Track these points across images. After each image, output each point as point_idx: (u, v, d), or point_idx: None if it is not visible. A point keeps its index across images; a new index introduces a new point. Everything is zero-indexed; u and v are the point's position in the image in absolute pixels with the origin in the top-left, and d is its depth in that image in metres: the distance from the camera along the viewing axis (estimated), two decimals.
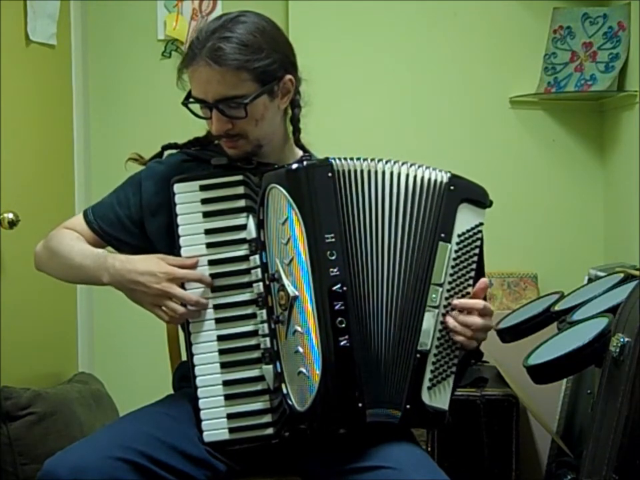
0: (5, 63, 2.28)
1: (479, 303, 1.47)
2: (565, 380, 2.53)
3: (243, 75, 1.51)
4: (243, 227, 1.53)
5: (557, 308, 2.09)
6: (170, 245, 1.59)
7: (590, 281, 2.37)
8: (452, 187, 1.49)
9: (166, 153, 1.75)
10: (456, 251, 1.48)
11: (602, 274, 2.30)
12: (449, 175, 1.51)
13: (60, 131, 2.79)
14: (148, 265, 1.52)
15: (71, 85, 2.88)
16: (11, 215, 2.20)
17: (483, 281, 1.48)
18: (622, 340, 1.59)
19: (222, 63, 1.49)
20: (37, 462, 2.05)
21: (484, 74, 2.95)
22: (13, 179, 2.33)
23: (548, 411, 2.58)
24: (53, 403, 2.28)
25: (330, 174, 1.45)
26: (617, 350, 1.59)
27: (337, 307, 1.41)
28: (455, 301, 1.47)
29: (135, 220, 1.67)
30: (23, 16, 2.41)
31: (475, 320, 1.46)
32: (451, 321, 1.46)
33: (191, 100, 1.56)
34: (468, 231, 1.49)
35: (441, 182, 1.50)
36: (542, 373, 1.73)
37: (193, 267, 1.53)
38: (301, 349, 1.42)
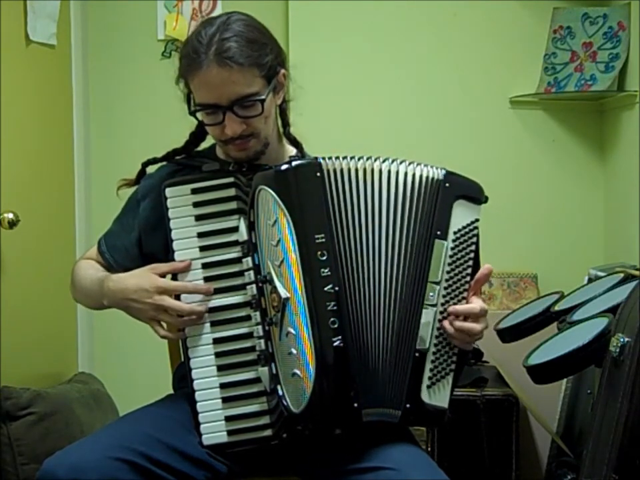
0: (5, 63, 2.28)
1: (474, 308, 1.45)
2: (565, 380, 2.53)
3: (255, 71, 1.50)
4: (235, 229, 1.52)
5: (557, 308, 2.09)
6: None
7: (590, 280, 2.37)
8: (447, 184, 1.48)
9: (151, 168, 1.73)
10: (452, 248, 1.47)
11: (602, 274, 2.30)
12: (443, 171, 1.50)
13: (60, 130, 2.79)
14: (138, 281, 1.52)
15: (71, 85, 2.87)
16: (10, 215, 2.20)
17: (487, 267, 1.47)
18: (622, 340, 1.58)
19: (235, 61, 1.47)
20: (37, 462, 2.05)
21: (484, 74, 2.94)
22: (13, 178, 2.32)
23: (548, 411, 2.58)
24: (53, 402, 2.28)
25: (318, 174, 1.44)
26: (617, 350, 1.59)
27: (329, 307, 1.40)
28: (451, 308, 1.45)
29: (135, 244, 1.69)
30: (22, 16, 2.41)
31: (474, 327, 1.44)
32: (449, 328, 1.44)
33: (198, 108, 1.54)
34: (464, 227, 1.48)
35: (436, 179, 1.49)
36: (542, 373, 1.73)
37: (185, 269, 1.52)
38: (294, 351, 1.41)
